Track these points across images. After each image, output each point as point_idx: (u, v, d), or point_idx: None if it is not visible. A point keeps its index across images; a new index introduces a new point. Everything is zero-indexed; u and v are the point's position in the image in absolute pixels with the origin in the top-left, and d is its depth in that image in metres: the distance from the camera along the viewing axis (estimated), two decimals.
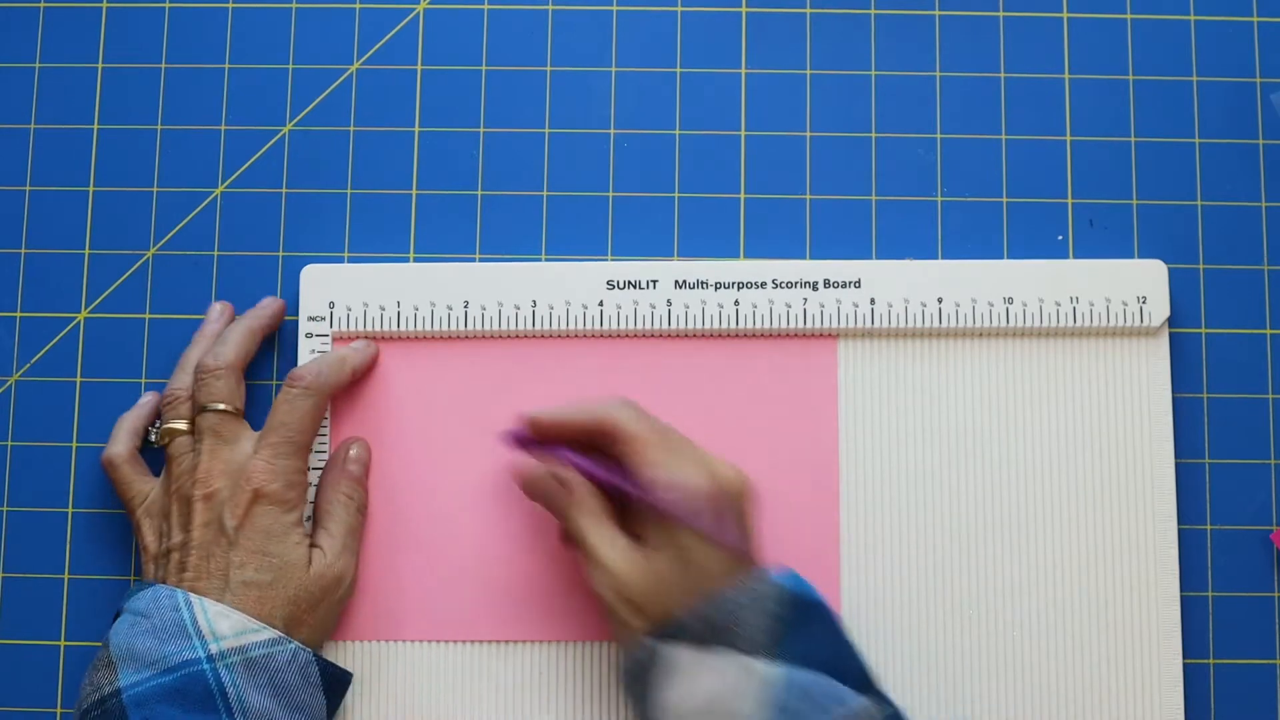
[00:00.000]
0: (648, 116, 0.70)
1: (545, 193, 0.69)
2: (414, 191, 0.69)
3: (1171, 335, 0.68)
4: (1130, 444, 0.67)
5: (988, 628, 0.65)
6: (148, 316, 0.69)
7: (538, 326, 0.67)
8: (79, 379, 0.68)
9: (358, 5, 0.71)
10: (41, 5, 0.71)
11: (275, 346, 0.68)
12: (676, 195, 0.69)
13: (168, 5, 0.71)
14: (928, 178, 0.70)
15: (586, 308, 0.67)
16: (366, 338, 0.67)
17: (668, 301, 0.67)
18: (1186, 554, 0.67)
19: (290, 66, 0.70)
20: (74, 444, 0.68)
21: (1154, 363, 0.67)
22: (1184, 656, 0.66)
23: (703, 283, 0.67)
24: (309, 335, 0.67)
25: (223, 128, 0.70)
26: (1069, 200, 0.69)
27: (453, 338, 0.67)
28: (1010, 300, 0.67)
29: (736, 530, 0.60)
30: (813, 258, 0.69)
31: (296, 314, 0.68)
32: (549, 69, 0.70)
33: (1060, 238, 0.69)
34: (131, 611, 0.60)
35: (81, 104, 0.70)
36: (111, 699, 0.58)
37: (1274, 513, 0.67)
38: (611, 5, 0.71)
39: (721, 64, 0.70)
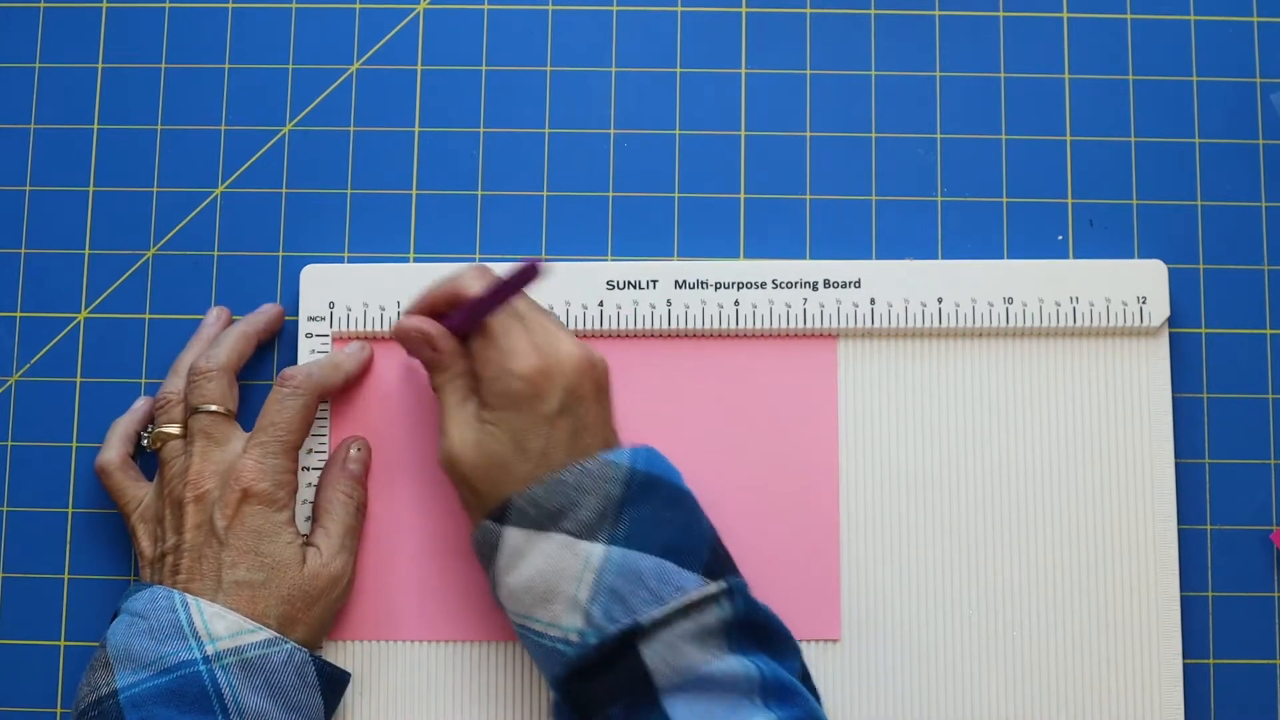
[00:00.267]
0: (648, 116, 0.70)
1: (545, 193, 0.69)
2: (414, 191, 0.69)
3: (1171, 335, 0.68)
4: (1130, 444, 0.67)
5: (988, 628, 0.65)
6: (148, 317, 0.69)
7: None
8: (79, 379, 0.68)
9: (358, 5, 0.71)
10: (41, 5, 0.71)
11: (275, 347, 0.68)
12: (676, 195, 0.69)
13: (168, 5, 0.71)
14: (928, 178, 0.70)
15: (586, 308, 0.67)
16: (367, 338, 0.67)
17: (668, 301, 0.67)
18: (1186, 554, 0.67)
19: (290, 66, 0.70)
20: (74, 444, 0.68)
21: (1154, 363, 0.67)
22: (1184, 656, 0.66)
23: (703, 283, 0.67)
24: (309, 335, 0.67)
25: (223, 128, 0.70)
26: (1069, 200, 0.69)
27: None
28: (1010, 300, 0.67)
29: (576, 410, 0.60)
30: (813, 258, 0.69)
31: (296, 314, 0.68)
32: (549, 69, 0.70)
33: (1060, 238, 0.69)
34: (129, 612, 0.60)
35: (81, 104, 0.70)
36: (108, 700, 0.58)
37: (1274, 513, 0.67)
38: (611, 5, 0.71)
39: (721, 64, 0.70)
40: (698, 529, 0.60)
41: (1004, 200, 0.69)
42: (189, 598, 0.60)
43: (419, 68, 0.70)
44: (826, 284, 0.67)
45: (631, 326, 0.67)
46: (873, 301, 0.67)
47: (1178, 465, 0.67)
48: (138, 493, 0.64)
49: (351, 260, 0.69)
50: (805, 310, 0.67)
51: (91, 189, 0.70)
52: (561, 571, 0.58)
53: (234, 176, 0.70)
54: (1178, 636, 0.65)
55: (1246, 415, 0.68)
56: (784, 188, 0.70)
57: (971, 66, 0.70)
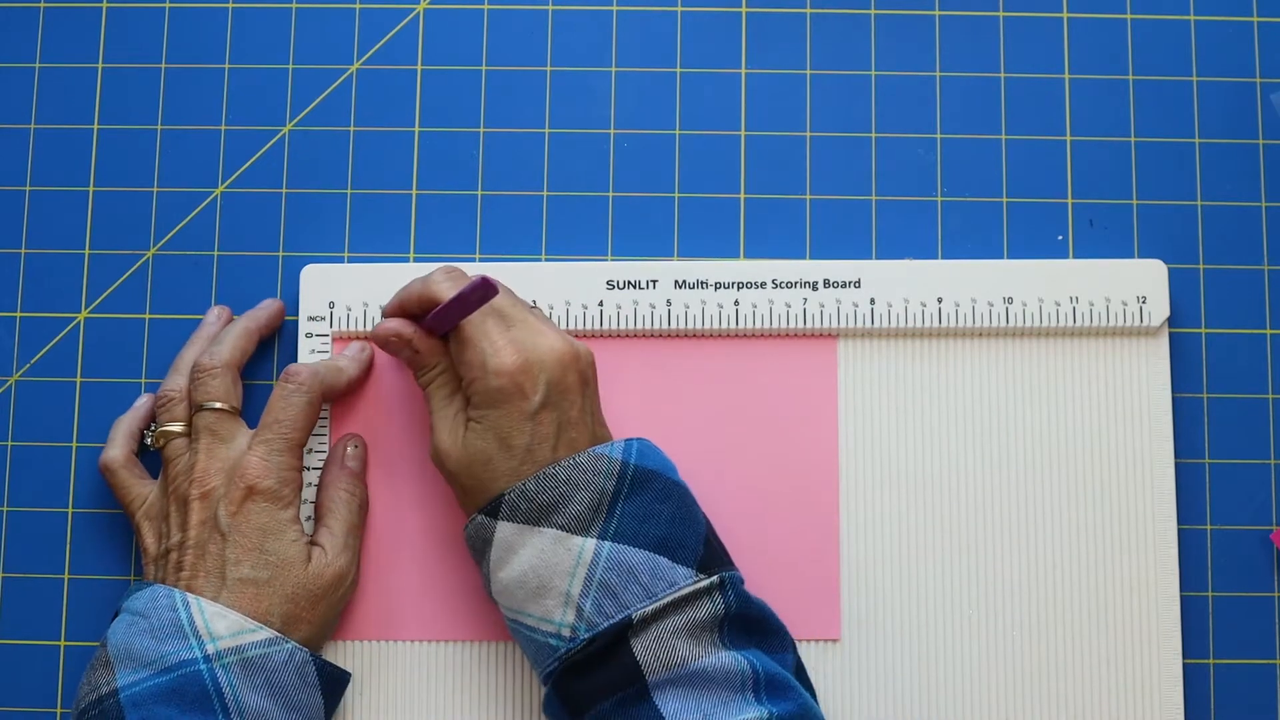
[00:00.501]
0: (648, 116, 0.70)
1: (545, 193, 0.69)
2: (414, 191, 0.69)
3: (1171, 335, 0.68)
4: (1130, 444, 0.67)
5: (988, 628, 0.65)
6: (148, 316, 0.69)
7: None
8: (79, 379, 0.68)
9: (358, 5, 0.71)
10: (41, 5, 0.71)
11: (275, 346, 0.68)
12: (676, 195, 0.69)
13: (168, 5, 0.71)
14: (928, 178, 0.70)
15: (586, 308, 0.67)
16: (367, 338, 0.67)
17: (668, 301, 0.67)
18: (1186, 554, 0.67)
19: (290, 66, 0.70)
20: (74, 444, 0.68)
21: (1154, 363, 0.67)
22: (1184, 656, 0.66)
23: (703, 283, 0.67)
24: (309, 335, 0.67)
25: (223, 128, 0.70)
26: (1069, 200, 0.69)
27: None
28: (1010, 300, 0.67)
29: (560, 404, 0.60)
30: (813, 258, 0.69)
31: (296, 314, 0.68)
32: (549, 69, 0.70)
33: (1060, 238, 0.69)
34: (129, 611, 0.60)
35: (81, 104, 0.70)
36: (109, 699, 0.58)
37: (1274, 513, 0.67)
38: (611, 5, 0.71)
39: (721, 64, 0.70)
40: (691, 522, 0.60)
41: (1004, 200, 0.69)
42: (190, 597, 0.60)
43: (419, 68, 0.70)
44: (826, 284, 0.67)
45: (631, 326, 0.67)
46: (873, 301, 0.67)
47: (1178, 465, 0.67)
48: (142, 490, 0.64)
49: (351, 260, 0.69)
50: (805, 310, 0.67)
51: (91, 189, 0.70)
52: (553, 566, 0.58)
53: (234, 176, 0.70)
54: (1178, 636, 0.65)
55: (1246, 415, 0.68)
56: (784, 188, 0.70)
57: (971, 66, 0.70)
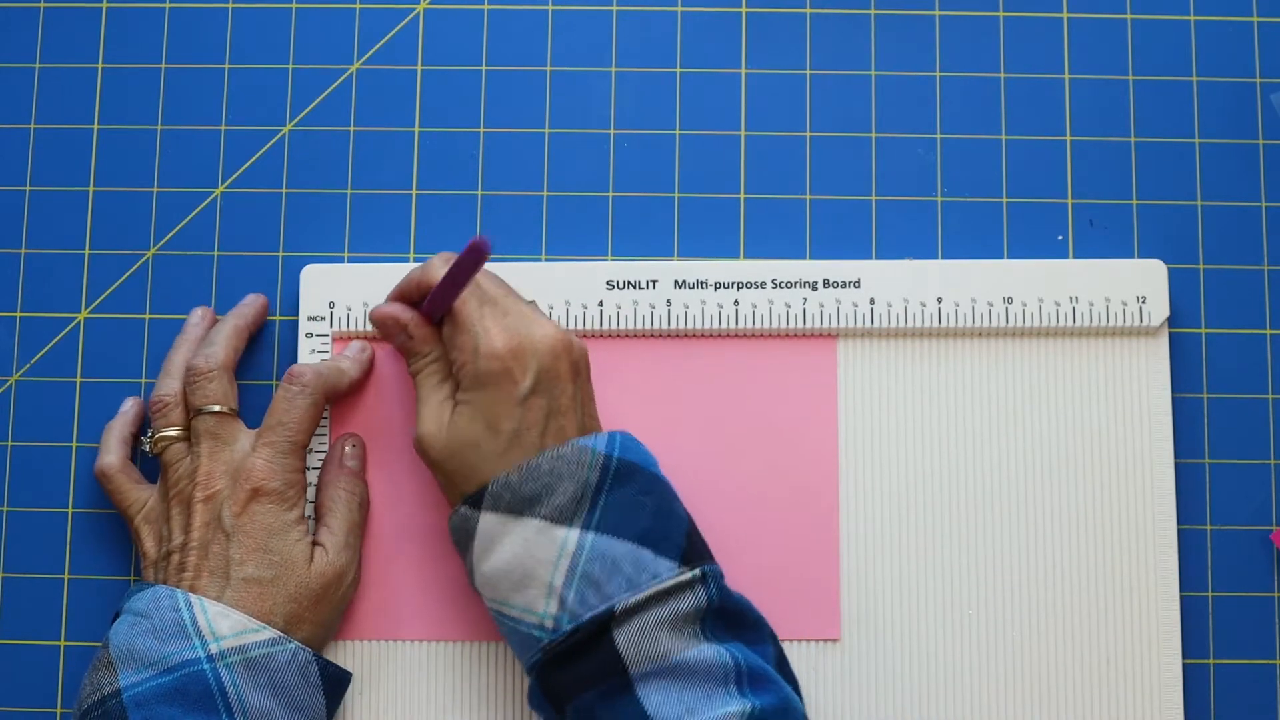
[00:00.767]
0: (648, 116, 0.70)
1: (545, 193, 0.69)
2: (414, 191, 0.69)
3: (1171, 335, 0.68)
4: (1130, 444, 0.67)
5: (988, 627, 0.65)
6: (148, 316, 0.69)
7: None
8: (79, 379, 0.68)
9: (358, 5, 0.71)
10: (41, 5, 0.71)
11: (275, 346, 0.68)
12: (676, 195, 0.69)
13: (168, 5, 0.71)
14: (928, 178, 0.70)
15: (586, 308, 0.67)
16: (366, 338, 0.67)
17: (668, 301, 0.67)
18: (1186, 554, 0.67)
19: (290, 66, 0.70)
20: (74, 444, 0.68)
21: (1154, 363, 0.67)
22: (1184, 656, 0.66)
23: (702, 283, 0.67)
24: (309, 335, 0.67)
25: (223, 128, 0.70)
26: (1069, 200, 0.69)
27: None
28: (1010, 300, 0.67)
29: (550, 390, 0.60)
30: (813, 258, 0.69)
31: (296, 314, 0.68)
32: (549, 69, 0.70)
33: (1060, 238, 0.69)
34: (131, 612, 0.60)
35: (81, 104, 0.70)
36: (111, 699, 0.58)
37: (1274, 513, 0.67)
38: (611, 5, 0.71)
39: (721, 64, 0.70)
40: (673, 516, 0.60)
41: (1004, 200, 0.69)
42: (193, 597, 0.60)
43: (419, 68, 0.70)
44: (826, 284, 0.67)
45: (631, 326, 0.67)
46: (873, 301, 0.67)
47: (1178, 465, 0.67)
48: (140, 495, 0.64)
49: (351, 260, 0.69)
50: (805, 310, 0.67)
51: (91, 189, 0.70)
52: (537, 557, 0.58)
53: (234, 176, 0.70)
54: (1178, 636, 0.65)
55: (1246, 415, 0.68)
56: (784, 188, 0.70)
57: (971, 66, 0.70)
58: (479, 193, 0.69)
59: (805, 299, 0.67)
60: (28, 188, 0.70)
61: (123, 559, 0.67)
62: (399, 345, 0.64)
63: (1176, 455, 0.67)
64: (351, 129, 0.70)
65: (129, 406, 0.67)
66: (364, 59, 0.71)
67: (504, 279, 0.63)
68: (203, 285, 0.69)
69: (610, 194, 0.70)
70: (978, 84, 0.70)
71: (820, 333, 0.67)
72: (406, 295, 0.63)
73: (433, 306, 0.62)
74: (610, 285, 0.67)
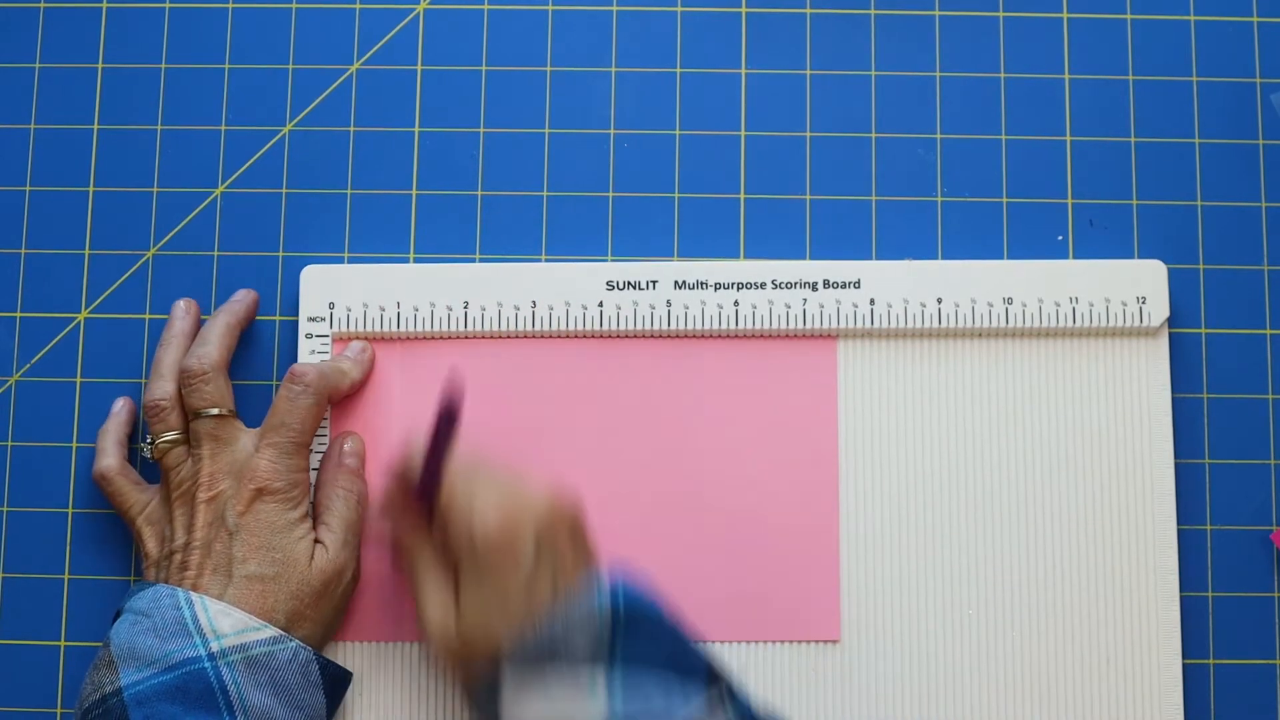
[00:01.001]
0: (648, 116, 0.70)
1: (545, 193, 0.69)
2: (414, 191, 0.69)
3: (1171, 335, 0.68)
4: (1130, 444, 0.67)
5: (988, 628, 0.65)
6: (148, 316, 0.69)
7: (538, 327, 0.67)
8: (79, 379, 0.68)
9: (358, 5, 0.71)
10: (41, 5, 0.71)
11: (275, 347, 0.68)
12: (676, 195, 0.69)
13: (168, 5, 0.71)
14: (928, 178, 0.70)
15: (586, 308, 0.67)
16: (366, 338, 0.67)
17: (667, 302, 0.67)
18: (1186, 554, 0.67)
19: (290, 66, 0.70)
20: (74, 444, 0.68)
21: (1154, 363, 0.67)
22: (1184, 656, 0.66)
23: (702, 283, 0.67)
24: (309, 335, 0.67)
25: (223, 128, 0.70)
26: (1069, 200, 0.69)
27: (453, 338, 0.67)
28: (1010, 300, 0.67)
29: (552, 558, 0.58)
30: (813, 258, 0.69)
31: (296, 314, 0.68)
32: (549, 69, 0.70)
33: (1060, 238, 0.69)
34: (132, 611, 0.60)
35: (81, 104, 0.70)
36: (113, 698, 0.58)
37: (1274, 513, 0.67)
38: (611, 5, 0.71)
39: (721, 64, 0.70)
40: (686, 645, 0.58)
41: (1004, 200, 0.69)
42: (194, 595, 0.60)
43: (419, 68, 0.70)
44: (826, 284, 0.67)
45: (631, 326, 0.67)
46: (873, 302, 0.67)
47: (1178, 465, 0.67)
48: (141, 496, 0.64)
49: (351, 260, 0.69)
50: (805, 310, 0.67)
51: (91, 189, 0.70)
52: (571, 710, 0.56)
53: (234, 176, 0.70)
54: (1178, 636, 0.65)
55: (1246, 415, 0.68)
56: (784, 188, 0.70)
57: (971, 66, 0.70)
58: (479, 193, 0.69)
59: (805, 299, 0.67)
60: (28, 188, 0.70)
61: (123, 559, 0.67)
62: (394, 535, 0.63)
63: (1176, 455, 0.67)
64: (351, 129, 0.70)
65: (120, 407, 0.67)
66: (364, 59, 0.71)
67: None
68: (203, 285, 0.69)
69: (610, 194, 0.70)
70: (978, 84, 0.70)
71: (820, 333, 0.67)
72: (398, 496, 0.62)
73: (426, 486, 0.60)
74: (610, 285, 0.67)
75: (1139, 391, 0.67)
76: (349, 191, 0.69)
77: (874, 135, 0.70)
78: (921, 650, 0.65)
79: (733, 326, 0.67)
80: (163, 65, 0.70)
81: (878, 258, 0.69)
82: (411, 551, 0.61)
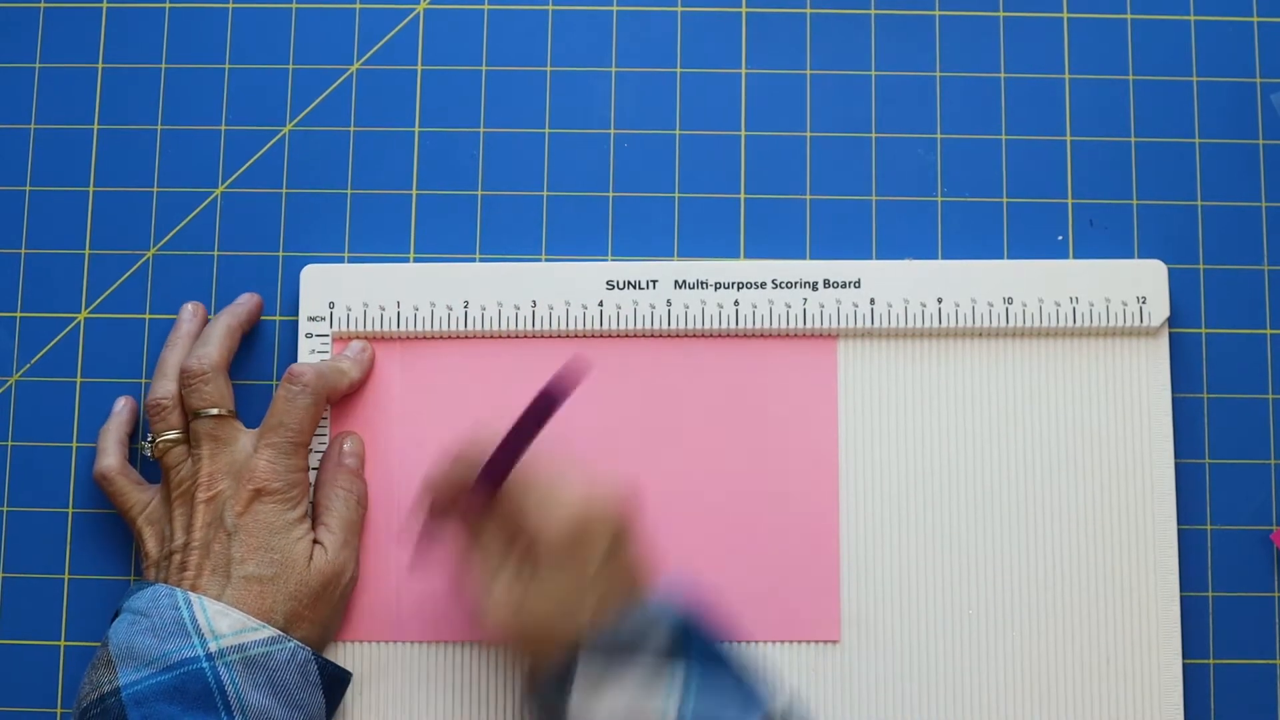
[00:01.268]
0: (648, 116, 0.70)
1: (545, 193, 0.69)
2: (414, 191, 0.70)
3: (1171, 335, 0.68)
4: (1130, 444, 0.67)
5: (987, 627, 0.65)
6: (148, 316, 0.69)
7: (538, 326, 0.67)
8: (79, 379, 0.68)
9: (358, 5, 0.71)
10: (41, 5, 0.71)
11: (275, 347, 0.68)
12: (676, 195, 0.69)
13: (168, 5, 0.71)
14: (928, 178, 0.70)
15: (586, 308, 0.67)
16: (366, 338, 0.67)
17: (667, 301, 0.67)
18: (1186, 554, 0.67)
19: (290, 66, 0.70)
20: (74, 444, 0.68)
21: (1154, 363, 0.67)
22: (1184, 656, 0.66)
23: (702, 283, 0.67)
24: (309, 335, 0.67)
25: (223, 128, 0.70)
26: (1069, 200, 0.69)
27: (453, 338, 0.67)
28: (1010, 300, 0.67)
29: (619, 553, 0.58)
30: (813, 258, 0.69)
31: (296, 314, 0.68)
32: (549, 69, 0.70)
33: (1060, 238, 0.69)
34: (130, 611, 0.60)
35: (81, 104, 0.70)
36: (111, 697, 0.58)
37: (1274, 513, 0.67)
38: (611, 5, 0.71)
39: (721, 64, 0.70)
40: (739, 665, 0.58)
41: (1004, 200, 0.69)
42: (192, 595, 0.60)
43: (419, 68, 0.70)
44: (826, 284, 0.67)
45: (631, 326, 0.67)
46: (873, 301, 0.67)
47: (1178, 465, 0.67)
48: (142, 496, 0.64)
49: (351, 260, 0.69)
50: (805, 310, 0.67)
51: (91, 189, 0.70)
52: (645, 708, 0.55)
53: (234, 176, 0.70)
54: (1178, 636, 0.65)
55: (1246, 415, 0.68)
56: (784, 188, 0.70)
57: (971, 66, 0.70)
58: (479, 193, 0.69)
59: (805, 299, 0.67)
60: (28, 188, 0.70)
61: (123, 559, 0.67)
62: (456, 523, 0.61)
63: (1176, 455, 0.67)
64: (351, 129, 0.70)
65: (121, 406, 0.67)
66: (364, 59, 0.71)
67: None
68: (203, 285, 0.69)
69: (610, 194, 0.70)
70: (978, 84, 0.70)
71: (820, 333, 0.67)
72: (453, 485, 0.60)
73: (492, 474, 0.59)
74: (610, 285, 0.67)
75: (1139, 391, 0.67)
76: (349, 191, 0.69)
77: (874, 135, 0.70)
78: (921, 650, 0.65)
79: (733, 326, 0.67)
80: (163, 65, 0.70)
81: (878, 258, 0.69)
82: (471, 537, 0.60)
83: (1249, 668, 0.66)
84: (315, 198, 0.69)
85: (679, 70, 0.70)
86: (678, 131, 0.70)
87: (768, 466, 0.66)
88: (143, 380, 0.68)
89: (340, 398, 0.66)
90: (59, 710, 0.66)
